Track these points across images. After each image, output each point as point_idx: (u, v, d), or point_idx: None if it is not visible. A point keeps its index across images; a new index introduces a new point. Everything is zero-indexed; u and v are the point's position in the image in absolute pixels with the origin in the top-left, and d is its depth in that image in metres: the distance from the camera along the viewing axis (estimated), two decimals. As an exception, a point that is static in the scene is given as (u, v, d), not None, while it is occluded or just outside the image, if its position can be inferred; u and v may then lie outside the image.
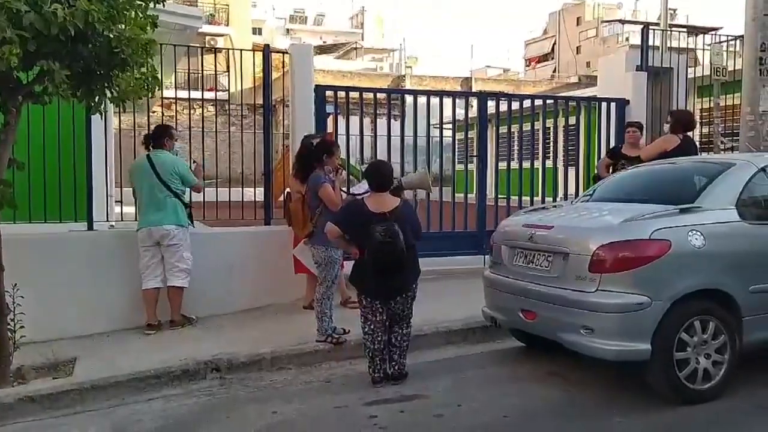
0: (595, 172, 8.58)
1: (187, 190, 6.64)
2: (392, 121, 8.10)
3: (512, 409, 4.47)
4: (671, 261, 4.26)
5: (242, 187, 7.63)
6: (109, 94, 5.51)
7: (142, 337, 6.27)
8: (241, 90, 7.24)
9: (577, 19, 57.82)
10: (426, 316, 6.17)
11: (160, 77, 5.94)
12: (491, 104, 8.63)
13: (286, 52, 7.37)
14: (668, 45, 9.65)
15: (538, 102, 9.28)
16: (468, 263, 8.27)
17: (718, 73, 8.33)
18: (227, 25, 35.70)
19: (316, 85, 7.46)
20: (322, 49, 44.37)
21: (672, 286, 4.27)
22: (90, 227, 6.75)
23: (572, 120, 9.39)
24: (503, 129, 9.57)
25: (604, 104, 8.85)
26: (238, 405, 4.83)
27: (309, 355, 5.72)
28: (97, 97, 5.52)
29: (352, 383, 5.15)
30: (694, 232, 4.36)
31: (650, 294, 4.22)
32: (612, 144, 8.63)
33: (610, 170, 7.49)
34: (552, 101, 9.24)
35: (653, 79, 9.24)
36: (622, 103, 8.93)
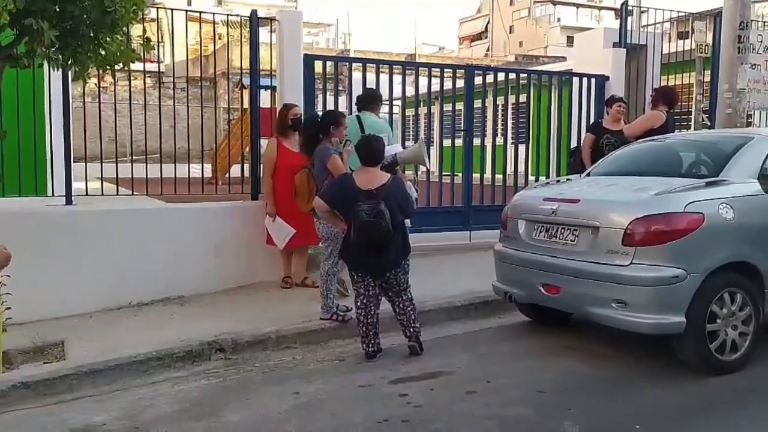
0: (572, 147, 8.61)
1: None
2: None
3: (544, 384, 4.39)
4: (705, 234, 4.27)
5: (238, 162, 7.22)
6: (95, 58, 5.13)
7: (127, 317, 5.99)
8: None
9: (510, -1, 58.55)
10: (426, 292, 6.05)
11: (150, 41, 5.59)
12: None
13: (275, 20, 7.02)
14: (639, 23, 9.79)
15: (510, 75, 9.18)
16: (452, 239, 8.20)
17: (701, 50, 8.48)
18: (162, -7, 34.33)
19: (305, 55, 7.15)
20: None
21: (706, 258, 4.28)
22: (68, 201, 6.31)
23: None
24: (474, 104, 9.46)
25: (584, 80, 8.87)
26: (254, 386, 4.61)
27: (315, 334, 5.52)
28: (82, 62, 5.14)
29: (367, 361, 5.00)
30: (725, 204, 4.38)
31: (685, 267, 4.22)
32: (591, 120, 8.66)
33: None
34: (536, 75, 9.24)
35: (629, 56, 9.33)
36: (602, 80, 8.99)
